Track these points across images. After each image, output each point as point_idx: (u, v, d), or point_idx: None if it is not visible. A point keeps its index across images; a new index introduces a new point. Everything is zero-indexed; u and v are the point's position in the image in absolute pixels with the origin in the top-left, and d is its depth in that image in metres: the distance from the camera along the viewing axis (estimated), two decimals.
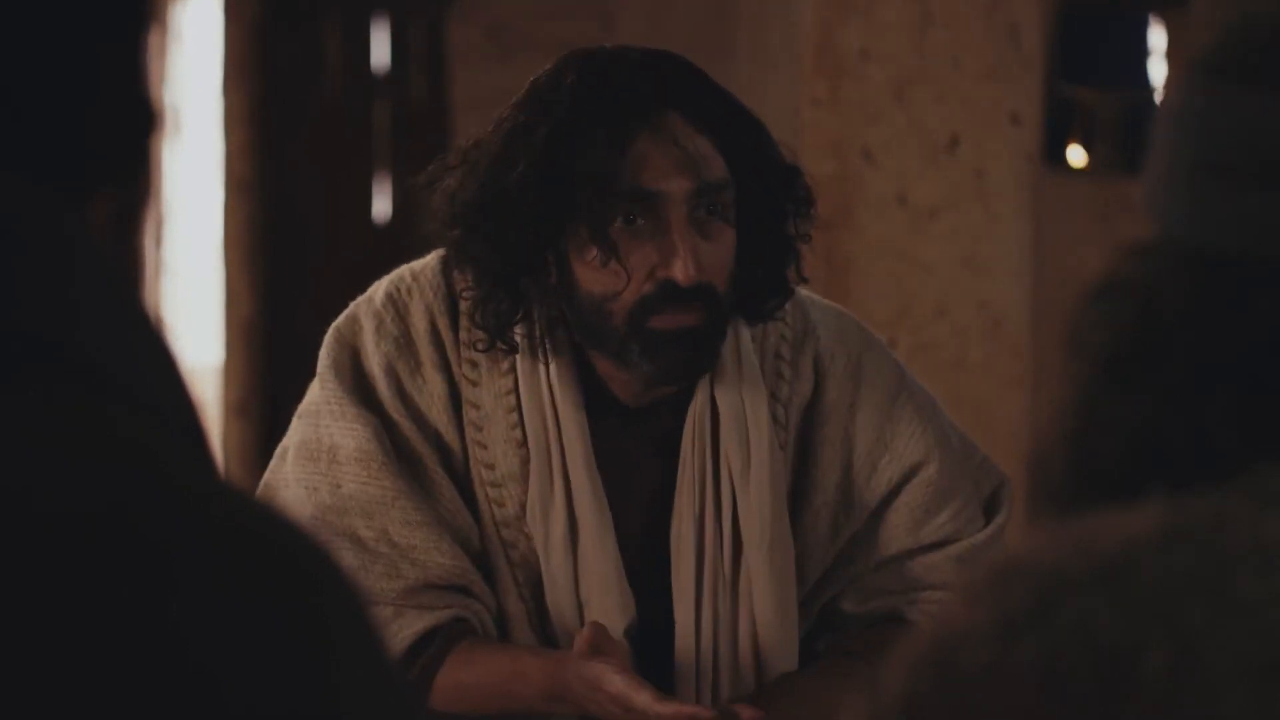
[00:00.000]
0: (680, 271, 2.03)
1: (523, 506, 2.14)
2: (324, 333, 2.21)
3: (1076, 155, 5.59)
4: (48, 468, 0.73)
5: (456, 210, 2.09)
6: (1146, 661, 0.78)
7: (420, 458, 2.15)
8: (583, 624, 2.12)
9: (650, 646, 2.15)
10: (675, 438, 2.17)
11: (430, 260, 2.19)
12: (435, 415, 2.15)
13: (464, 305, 2.15)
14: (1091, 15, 5.54)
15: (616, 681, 2.01)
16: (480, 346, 2.13)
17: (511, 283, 2.09)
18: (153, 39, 0.82)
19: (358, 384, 2.16)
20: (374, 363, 2.15)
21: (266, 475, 2.22)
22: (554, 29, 5.97)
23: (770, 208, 2.12)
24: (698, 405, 2.16)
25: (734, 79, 3.51)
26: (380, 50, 6.88)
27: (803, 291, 2.25)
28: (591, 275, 2.06)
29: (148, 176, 0.84)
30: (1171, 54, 5.57)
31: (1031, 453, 0.93)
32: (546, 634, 2.17)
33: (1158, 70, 5.64)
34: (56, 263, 0.77)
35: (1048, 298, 4.57)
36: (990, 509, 2.28)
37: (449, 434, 2.15)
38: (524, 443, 2.14)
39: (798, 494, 2.21)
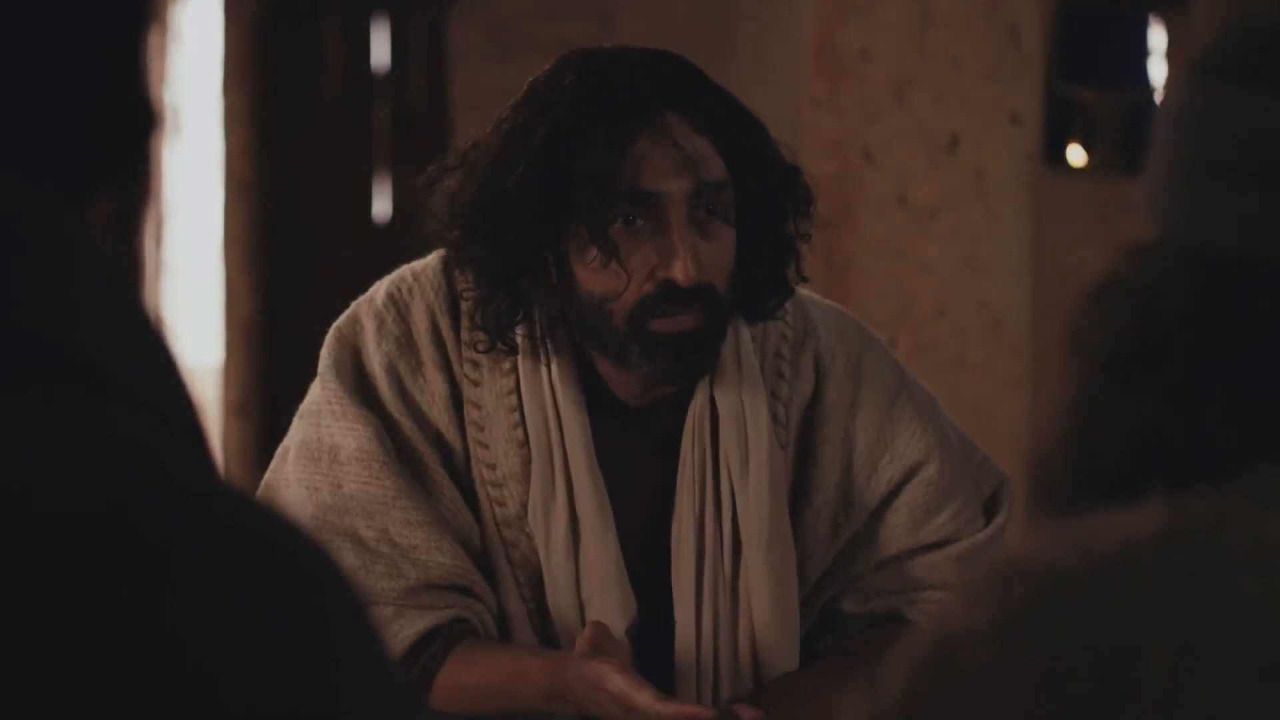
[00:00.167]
0: (680, 272, 2.03)
1: (524, 506, 2.14)
2: (324, 333, 2.21)
3: (1077, 155, 5.59)
4: (48, 468, 0.73)
5: (456, 211, 2.09)
6: (1146, 661, 0.78)
7: (421, 457, 2.15)
8: (584, 624, 2.12)
9: (650, 646, 2.15)
10: (675, 437, 2.17)
11: (431, 260, 2.19)
12: (436, 415, 2.15)
13: (465, 305, 2.15)
14: (1091, 15, 5.54)
15: (618, 681, 2.01)
16: (481, 347, 2.13)
17: (512, 283, 2.09)
18: (153, 39, 0.82)
19: (359, 384, 2.16)
20: (375, 362, 2.15)
21: (267, 475, 2.22)
22: (554, 29, 5.97)
23: (770, 207, 2.12)
24: (697, 405, 2.16)
25: (734, 79, 3.51)
26: (380, 50, 6.88)
27: (803, 291, 2.25)
28: (591, 276, 2.06)
29: (148, 176, 0.84)
30: (1171, 54, 5.57)
31: (1031, 453, 0.93)
32: (547, 634, 2.17)
33: (1158, 70, 5.64)
34: (56, 263, 0.77)
35: (1048, 298, 4.57)
36: (990, 509, 2.28)
37: (450, 434, 2.15)
38: (525, 442, 2.14)
39: (798, 494, 2.21)
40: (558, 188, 2.04)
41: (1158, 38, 5.65)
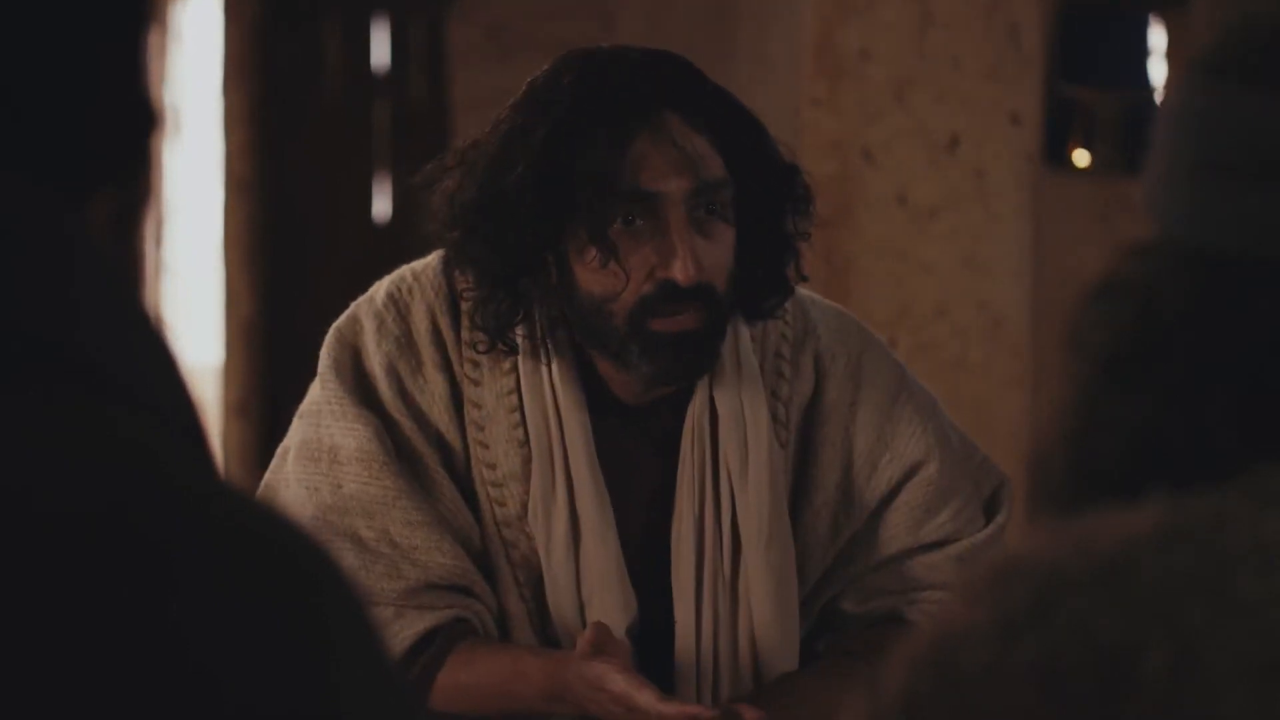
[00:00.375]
0: (680, 272, 2.03)
1: (524, 506, 2.14)
2: (324, 333, 2.21)
3: (1081, 157, 5.58)
4: (48, 468, 0.73)
5: (456, 212, 2.09)
6: (1146, 661, 0.78)
7: (421, 457, 2.15)
8: (584, 623, 2.12)
9: (650, 646, 2.15)
10: (675, 437, 2.17)
11: (431, 260, 2.19)
12: (437, 415, 2.15)
13: (465, 305, 2.15)
14: (1091, 15, 5.54)
15: (618, 681, 2.01)
16: (481, 348, 2.13)
17: (511, 283, 2.09)
18: (153, 39, 0.82)
19: (359, 384, 2.16)
20: (375, 362, 2.15)
21: (267, 475, 2.22)
22: (554, 29, 5.97)
23: (769, 206, 2.12)
24: (697, 405, 2.16)
25: (734, 79, 3.51)
26: (380, 50, 6.88)
27: (803, 291, 2.25)
28: (591, 276, 2.06)
29: (148, 176, 0.84)
30: (1171, 54, 5.57)
31: (1031, 453, 0.93)
32: (547, 634, 2.16)
33: (1158, 70, 5.64)
34: (56, 263, 0.77)
35: (1048, 298, 4.57)
36: (990, 509, 2.28)
37: (450, 434, 2.15)
38: (526, 442, 2.14)
39: (798, 493, 2.21)
40: (557, 188, 2.04)
41: (1158, 38, 5.65)
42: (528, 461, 2.14)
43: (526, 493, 2.14)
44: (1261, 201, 0.89)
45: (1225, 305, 0.89)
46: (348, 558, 2.11)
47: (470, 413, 2.15)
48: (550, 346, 2.13)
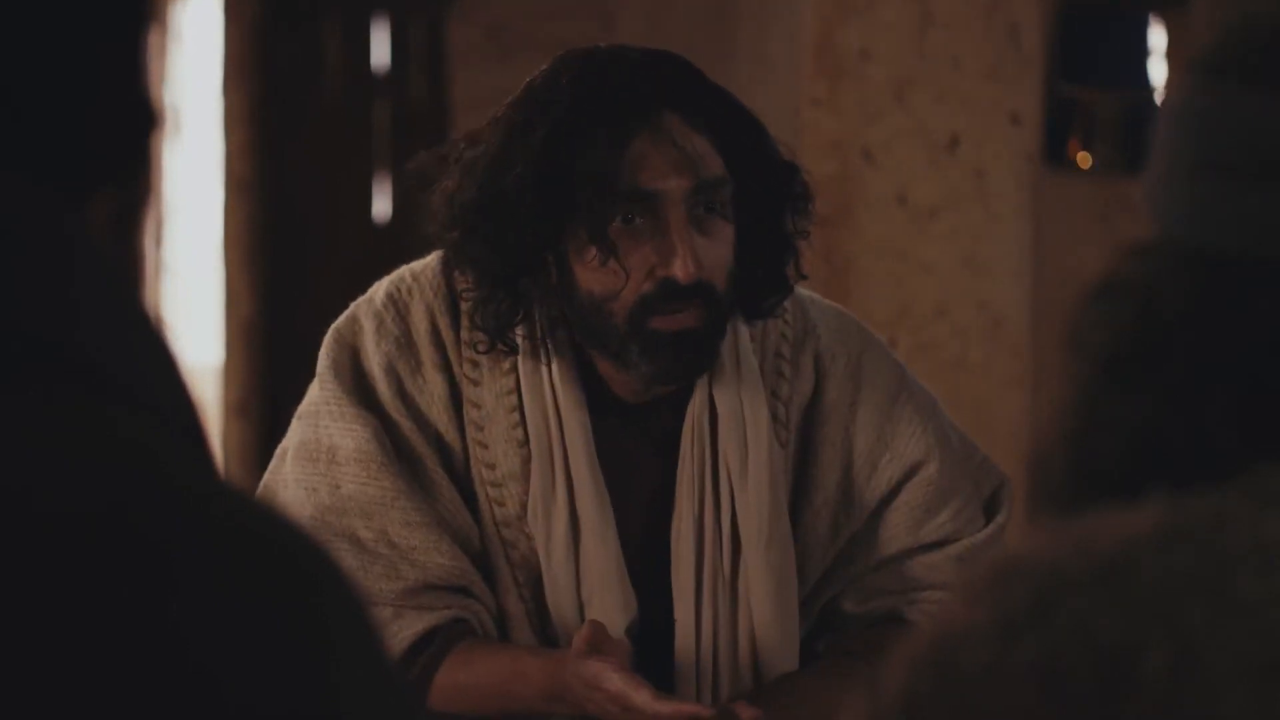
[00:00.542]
0: (680, 270, 2.03)
1: (524, 506, 2.14)
2: (324, 333, 2.21)
3: (1084, 160, 5.58)
4: (48, 468, 0.73)
5: (455, 212, 2.09)
6: (1146, 661, 0.78)
7: (420, 458, 2.15)
8: (584, 623, 2.12)
9: (651, 645, 2.15)
10: (675, 436, 2.17)
11: (431, 260, 2.19)
12: (436, 415, 2.15)
13: (464, 306, 2.15)
14: (1091, 15, 5.53)
15: (615, 680, 2.01)
16: (481, 348, 2.13)
17: (511, 283, 2.09)
18: (153, 39, 0.82)
19: (357, 384, 2.16)
20: (374, 363, 2.15)
21: (266, 476, 2.22)
22: (554, 29, 5.97)
23: (768, 205, 2.12)
24: (696, 404, 2.16)
25: (734, 79, 3.51)
26: (380, 50, 6.88)
27: (803, 291, 2.26)
28: (591, 275, 2.06)
29: (148, 176, 0.84)
30: (1171, 54, 5.57)
31: (1031, 453, 0.93)
32: (546, 634, 2.16)
33: (1158, 70, 5.63)
34: (56, 263, 0.77)
35: (1048, 298, 4.57)
36: (990, 509, 2.28)
37: (449, 434, 2.15)
38: (525, 442, 2.14)
39: (798, 493, 2.21)
40: (557, 187, 2.04)
41: (1158, 38, 5.64)
42: (527, 461, 2.14)
43: (526, 493, 2.14)
44: (1261, 201, 0.89)
45: (1225, 305, 0.89)
46: (346, 559, 2.11)
47: (469, 413, 2.15)
48: (550, 346, 2.13)
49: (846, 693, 1.68)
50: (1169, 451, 0.88)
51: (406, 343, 2.15)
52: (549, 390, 2.13)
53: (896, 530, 2.22)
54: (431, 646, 2.12)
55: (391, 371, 2.15)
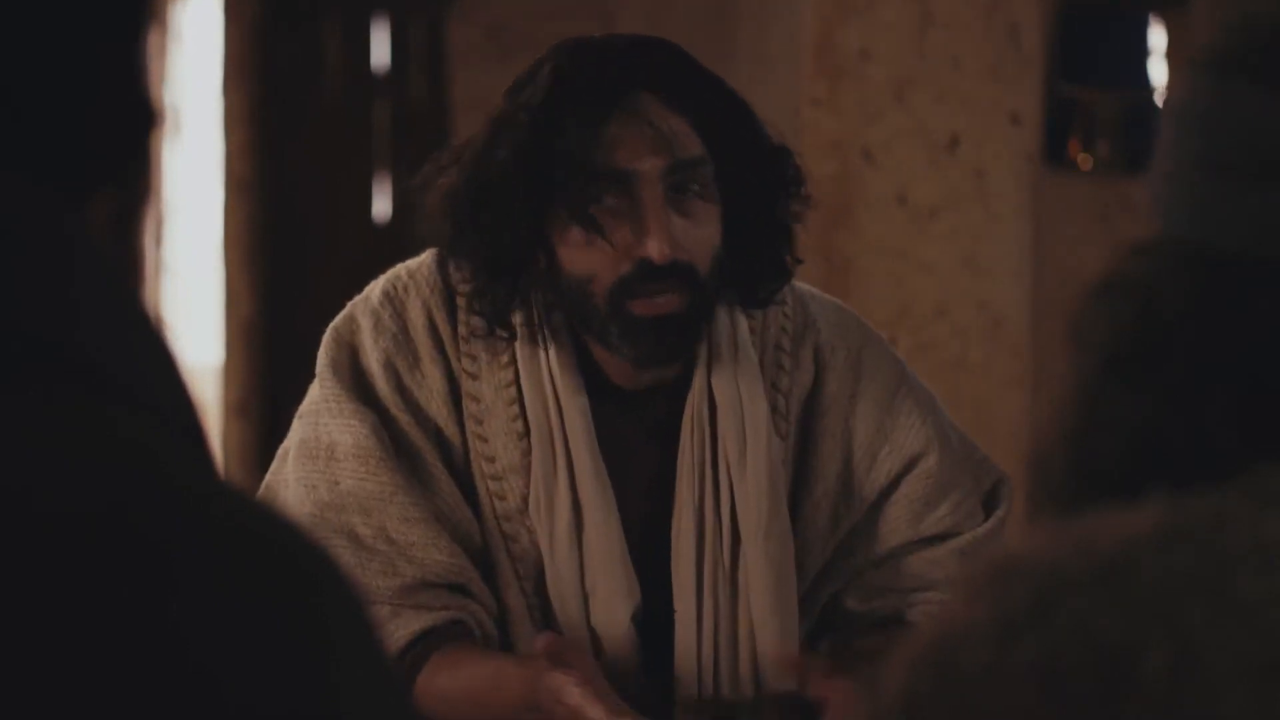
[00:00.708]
0: (654, 249, 2.04)
1: (525, 499, 2.14)
2: (324, 332, 2.22)
3: (1085, 161, 5.58)
4: (48, 468, 0.73)
5: (447, 203, 2.11)
6: (1146, 661, 0.78)
7: (419, 452, 2.15)
8: (588, 614, 2.13)
9: (651, 636, 2.15)
10: (671, 425, 2.17)
11: (425, 258, 2.20)
12: (435, 410, 2.16)
13: (460, 300, 2.15)
14: (1091, 15, 5.54)
15: (574, 694, 2.00)
16: (479, 333, 2.14)
17: (505, 270, 2.10)
18: (153, 39, 0.82)
19: (356, 381, 2.16)
20: (372, 359, 2.16)
21: (268, 477, 2.23)
22: (554, 29, 5.95)
23: (755, 188, 2.12)
24: (695, 395, 2.16)
25: (734, 79, 3.50)
26: (380, 50, 6.88)
27: (803, 285, 2.27)
28: (573, 256, 2.07)
29: (148, 176, 0.84)
30: (1171, 54, 5.57)
31: (1032, 452, 0.93)
32: (549, 628, 2.16)
33: (1158, 70, 5.63)
34: (56, 263, 0.77)
35: (1048, 298, 4.57)
36: (990, 504, 2.28)
37: (449, 428, 2.16)
38: (525, 434, 2.15)
39: (798, 485, 2.21)
40: (538, 171, 2.06)
41: (1158, 38, 5.64)
42: (527, 454, 2.14)
43: (527, 486, 2.14)
44: (1262, 201, 0.89)
45: (1226, 305, 0.89)
46: (344, 555, 2.11)
47: (469, 406, 2.15)
48: (547, 332, 2.14)
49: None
50: (1169, 450, 0.88)
51: (404, 338, 2.16)
52: (548, 377, 2.14)
53: (897, 523, 2.22)
54: (417, 648, 2.12)
55: (389, 367, 2.15)
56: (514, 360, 2.15)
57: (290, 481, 2.17)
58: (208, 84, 6.71)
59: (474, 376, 2.16)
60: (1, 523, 0.71)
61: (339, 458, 2.14)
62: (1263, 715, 0.77)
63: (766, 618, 2.16)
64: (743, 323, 2.18)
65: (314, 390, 2.19)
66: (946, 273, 4.44)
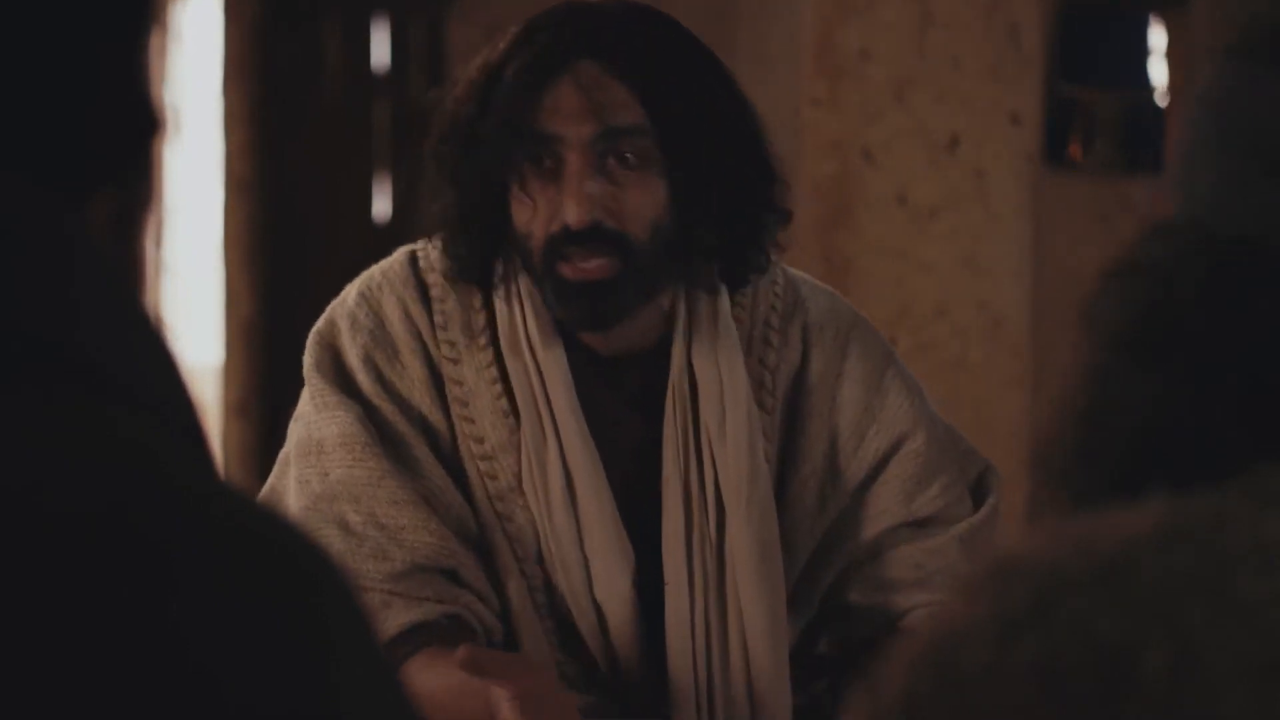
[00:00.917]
0: (570, 213, 2.08)
1: (517, 477, 2.17)
2: None
3: (1074, 151, 5.58)
4: (48, 468, 0.73)
5: (429, 161, 2.19)
6: (1146, 661, 0.78)
7: (404, 438, 2.18)
8: (591, 584, 2.15)
9: (643, 607, 2.17)
10: (650, 394, 2.20)
11: (397, 256, 2.26)
12: (418, 399, 2.19)
13: (434, 292, 2.20)
14: (1091, 15, 5.53)
15: (504, 709, 1.98)
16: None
17: (469, 222, 2.16)
18: (153, 39, 0.82)
19: (339, 377, 2.21)
20: (352, 355, 2.20)
21: (271, 480, 2.25)
22: None
23: (705, 160, 2.13)
24: (675, 368, 2.18)
25: None
26: (380, 50, 6.88)
27: (797, 271, 2.30)
28: (518, 214, 2.13)
29: (148, 177, 0.84)
30: (1171, 54, 5.57)
31: (1040, 431, 0.93)
32: (552, 605, 2.17)
33: (1158, 70, 5.64)
34: (56, 263, 0.77)
35: (1048, 298, 4.57)
36: (978, 494, 2.30)
37: (434, 415, 2.19)
38: (511, 412, 2.17)
39: (785, 463, 2.23)
40: (488, 129, 2.12)
41: (1158, 38, 5.64)
42: (514, 431, 2.18)
43: (518, 463, 2.17)
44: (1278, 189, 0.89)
45: (1240, 292, 0.89)
46: (335, 543, 2.13)
47: (453, 390, 2.19)
48: (520, 289, 2.17)
49: None
50: (1178, 434, 0.88)
51: (381, 334, 2.20)
52: (526, 348, 2.17)
53: (888, 503, 2.23)
54: (409, 645, 2.11)
55: (369, 361, 2.19)
56: (492, 341, 2.19)
57: (290, 484, 2.19)
58: (208, 84, 6.70)
59: (454, 361, 2.19)
60: (2, 523, 0.71)
61: (327, 450, 2.17)
62: (1263, 715, 0.77)
63: (753, 586, 2.17)
64: (724, 297, 2.20)
65: (304, 394, 2.23)
66: (946, 273, 4.44)
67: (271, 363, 6.72)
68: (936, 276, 4.43)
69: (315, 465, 2.17)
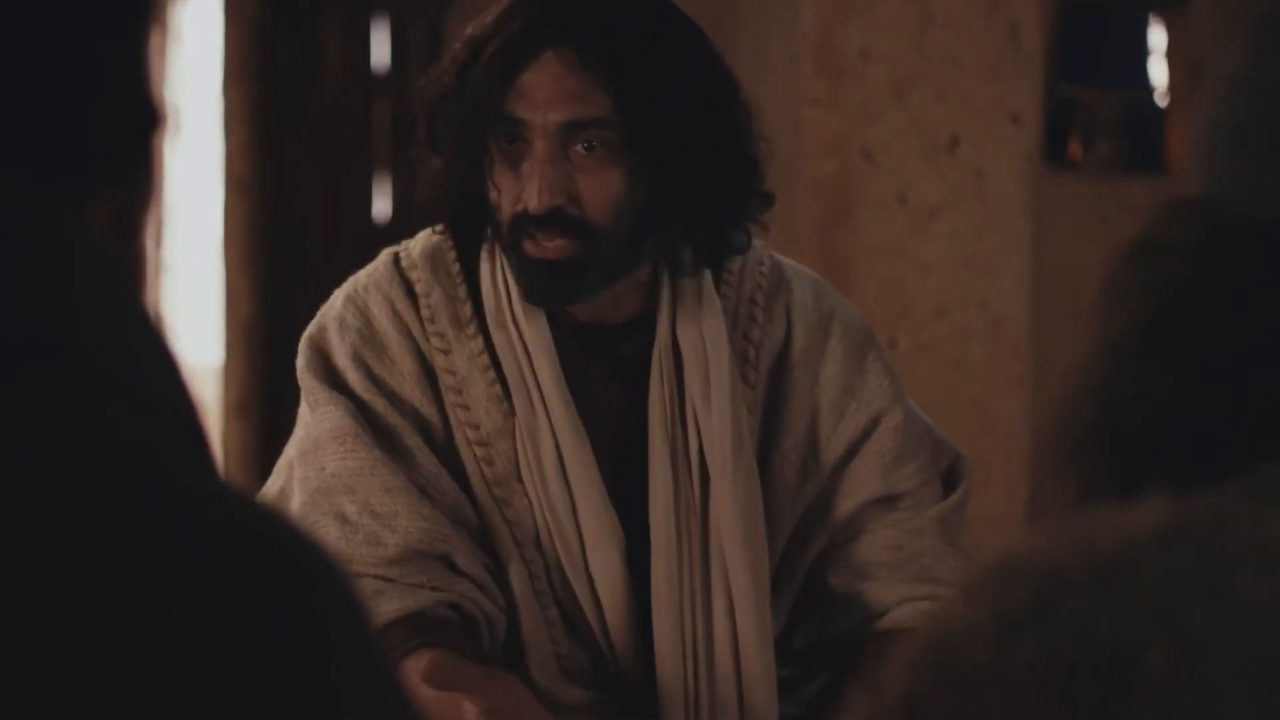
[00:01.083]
0: (530, 197, 2.13)
1: (513, 462, 2.20)
2: None
3: (1074, 149, 5.58)
4: (48, 468, 0.73)
5: (419, 132, 2.25)
6: (1146, 661, 0.78)
7: (396, 430, 2.21)
8: (586, 561, 2.17)
9: (629, 576, 2.19)
10: (635, 367, 2.23)
11: (380, 259, 2.31)
12: (408, 392, 2.22)
13: (419, 288, 2.24)
14: (1091, 15, 5.54)
15: (469, 715, 1.99)
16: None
17: (454, 193, 2.21)
18: (153, 39, 0.82)
19: (329, 377, 2.25)
20: (340, 355, 2.24)
21: (268, 485, 2.28)
22: None
23: (675, 149, 2.14)
24: (660, 340, 2.22)
25: None
26: (380, 50, 6.88)
27: (781, 257, 2.34)
28: (493, 189, 2.18)
29: (148, 176, 0.84)
30: (1171, 54, 5.57)
31: (1057, 406, 0.93)
32: (553, 592, 2.19)
33: (1158, 70, 5.64)
34: (56, 263, 0.77)
35: (1048, 297, 4.57)
36: (948, 481, 2.33)
37: (425, 408, 2.22)
38: (504, 398, 2.20)
39: (767, 437, 2.26)
40: (460, 107, 2.18)
41: (1158, 38, 5.65)
42: (509, 416, 2.21)
43: (513, 448, 2.20)
44: None
45: (1261, 275, 0.89)
46: (332, 534, 2.15)
47: (446, 380, 2.22)
48: (505, 262, 2.21)
49: None
50: (1192, 417, 0.88)
51: (368, 332, 2.25)
52: (510, 321, 2.22)
53: (866, 476, 2.27)
54: (408, 643, 2.12)
55: (358, 359, 2.23)
56: (480, 329, 2.23)
57: (294, 487, 2.23)
58: (208, 84, 6.71)
59: (445, 352, 2.23)
60: (1, 523, 0.71)
61: (322, 445, 2.21)
62: (1263, 715, 0.77)
63: (738, 553, 2.19)
64: (708, 277, 2.24)
65: (302, 401, 2.27)
66: (946, 273, 4.44)
67: (271, 363, 6.72)
68: (936, 276, 4.43)
69: (313, 462, 2.20)
